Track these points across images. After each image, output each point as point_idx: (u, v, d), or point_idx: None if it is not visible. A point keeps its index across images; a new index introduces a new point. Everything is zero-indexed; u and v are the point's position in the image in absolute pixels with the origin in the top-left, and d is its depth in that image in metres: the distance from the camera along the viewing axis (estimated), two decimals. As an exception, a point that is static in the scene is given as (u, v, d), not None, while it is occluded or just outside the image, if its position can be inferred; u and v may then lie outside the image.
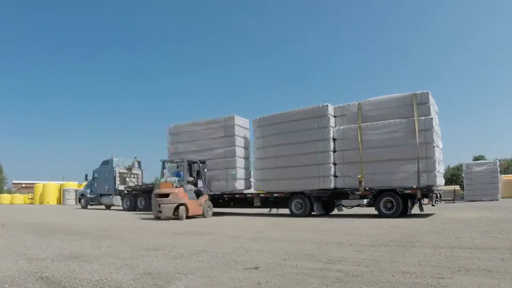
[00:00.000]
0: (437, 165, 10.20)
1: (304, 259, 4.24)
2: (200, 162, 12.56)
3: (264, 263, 4.01)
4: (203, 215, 11.76)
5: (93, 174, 21.10)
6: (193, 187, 11.96)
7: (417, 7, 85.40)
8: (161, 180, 11.90)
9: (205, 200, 12.05)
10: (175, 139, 15.07)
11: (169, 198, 10.96)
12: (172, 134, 15.27)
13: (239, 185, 13.34)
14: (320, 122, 11.64)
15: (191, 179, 12.17)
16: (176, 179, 11.54)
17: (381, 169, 10.63)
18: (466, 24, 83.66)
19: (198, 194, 11.94)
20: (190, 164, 12.56)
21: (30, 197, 38.25)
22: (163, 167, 12.33)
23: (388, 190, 10.52)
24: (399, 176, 10.36)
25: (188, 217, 11.08)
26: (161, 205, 10.97)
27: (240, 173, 13.48)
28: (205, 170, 12.70)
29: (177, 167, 12.28)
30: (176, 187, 11.23)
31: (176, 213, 10.93)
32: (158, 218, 11.22)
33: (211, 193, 13.15)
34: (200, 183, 12.35)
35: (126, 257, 4.48)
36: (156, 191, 11.55)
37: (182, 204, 10.98)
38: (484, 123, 76.10)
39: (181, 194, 11.08)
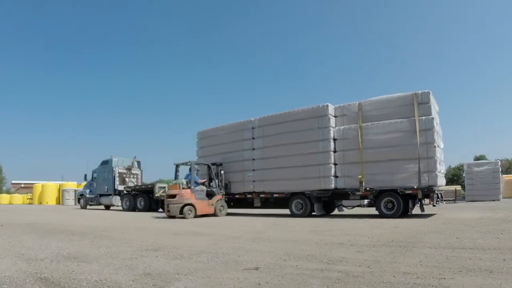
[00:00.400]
0: (438, 165, 10.16)
1: (304, 259, 4.22)
2: (215, 165, 13.25)
3: (265, 264, 3.99)
4: (214, 214, 12.28)
5: (93, 174, 21.05)
6: (204, 188, 12.61)
7: (417, 7, 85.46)
8: (173, 182, 12.80)
9: (217, 200, 12.58)
10: (202, 144, 15.56)
11: (176, 198, 11.67)
12: (199, 139, 15.73)
13: (254, 186, 13.21)
14: (321, 122, 11.61)
15: (203, 180, 12.92)
16: (185, 181, 12.30)
17: (382, 169, 10.59)
18: (466, 24, 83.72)
19: (211, 194, 12.57)
20: (209, 166, 13.24)
21: (29, 197, 38.20)
22: (176, 170, 12.95)
23: (389, 190, 10.48)
24: (400, 176, 10.32)
25: (197, 216, 11.71)
26: (169, 205, 11.71)
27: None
28: (222, 172, 13.21)
29: (190, 169, 12.84)
30: (183, 188, 11.88)
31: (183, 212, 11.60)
32: (169, 216, 11.79)
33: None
34: (213, 184, 12.98)
35: (125, 258, 4.46)
36: (166, 192, 12.68)
37: (188, 204, 11.59)
38: (485, 123, 76.24)
39: (187, 195, 11.76)
